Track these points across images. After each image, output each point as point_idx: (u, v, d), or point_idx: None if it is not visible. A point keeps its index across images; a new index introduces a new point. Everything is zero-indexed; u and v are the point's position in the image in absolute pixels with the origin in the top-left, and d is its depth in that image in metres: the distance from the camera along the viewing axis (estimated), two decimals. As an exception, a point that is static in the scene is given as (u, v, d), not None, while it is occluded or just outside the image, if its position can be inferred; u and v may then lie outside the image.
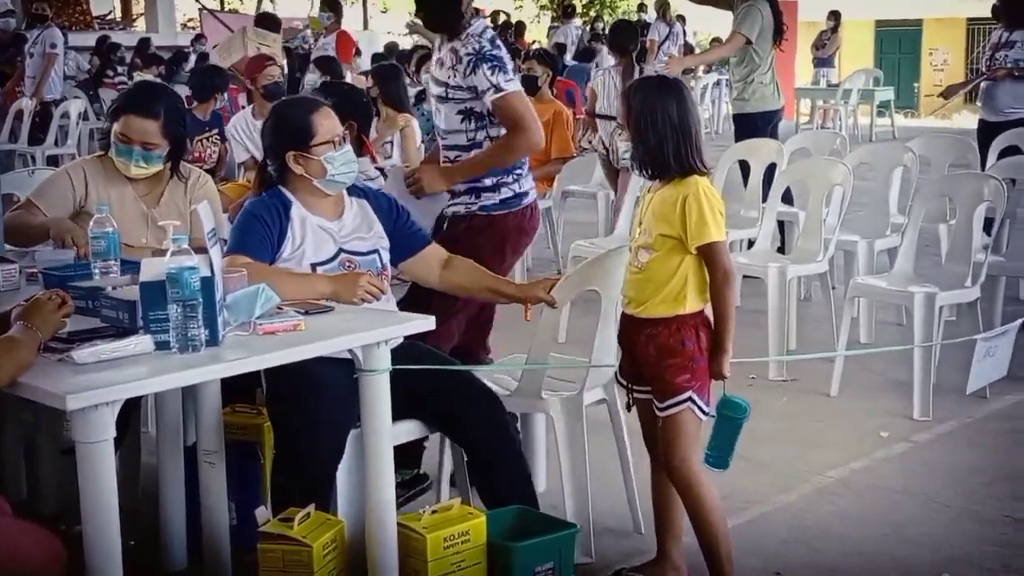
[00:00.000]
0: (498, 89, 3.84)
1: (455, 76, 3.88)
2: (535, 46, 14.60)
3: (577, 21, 17.48)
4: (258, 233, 3.31)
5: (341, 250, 3.40)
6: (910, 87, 22.51)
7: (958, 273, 5.07)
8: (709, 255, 3.09)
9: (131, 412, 3.48)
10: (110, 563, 2.43)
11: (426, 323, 3.06)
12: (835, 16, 16.92)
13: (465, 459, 3.45)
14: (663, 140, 3.11)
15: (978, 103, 7.83)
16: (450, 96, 3.92)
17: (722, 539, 3.17)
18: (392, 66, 8.11)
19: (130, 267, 3.15)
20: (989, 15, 8.08)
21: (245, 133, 7.05)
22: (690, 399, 3.11)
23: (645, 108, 3.13)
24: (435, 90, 3.97)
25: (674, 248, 3.11)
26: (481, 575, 3.09)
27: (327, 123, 3.42)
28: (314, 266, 3.35)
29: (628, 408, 3.33)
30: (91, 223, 3.32)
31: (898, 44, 23.93)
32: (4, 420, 3.99)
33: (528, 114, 3.88)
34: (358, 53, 11.82)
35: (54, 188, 3.85)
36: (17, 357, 2.45)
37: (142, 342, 2.61)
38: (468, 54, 3.85)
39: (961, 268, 5.07)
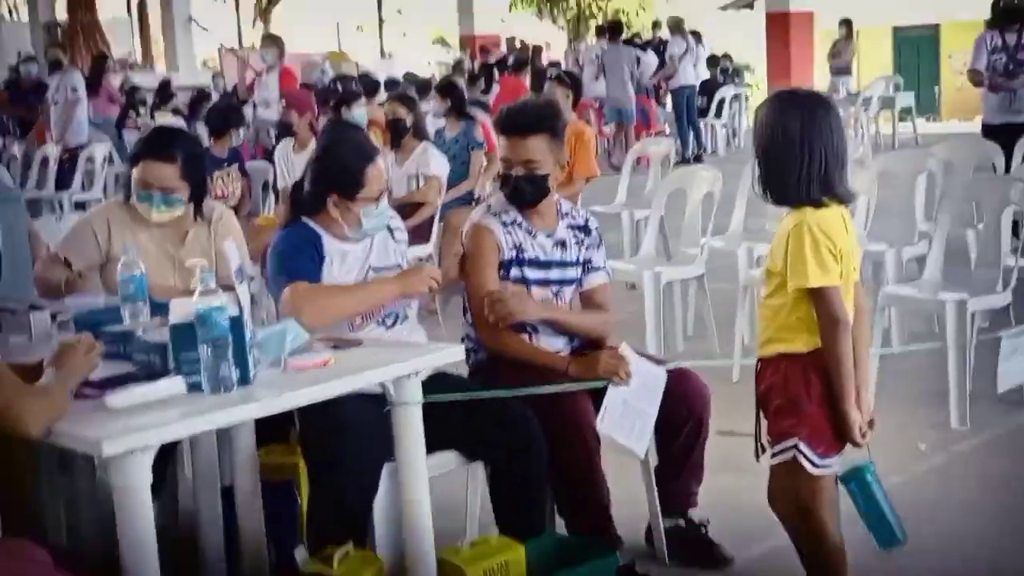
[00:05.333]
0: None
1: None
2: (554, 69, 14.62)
3: (592, 40, 17.50)
4: (306, 258, 3.36)
5: (370, 267, 3.47)
6: (931, 92, 22.41)
7: (989, 278, 5.02)
8: (812, 299, 2.82)
9: (168, 454, 3.49)
10: (152, 607, 2.43)
11: (454, 353, 3.06)
12: (847, 24, 16.87)
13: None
14: (779, 162, 2.85)
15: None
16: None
17: None
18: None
19: (160, 309, 3.16)
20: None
21: (284, 163, 7.30)
22: (796, 447, 2.86)
23: (766, 124, 2.89)
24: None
25: (781, 285, 2.87)
26: (522, 605, 3.08)
27: (378, 177, 3.44)
28: None
29: (757, 457, 3.07)
30: (119, 266, 3.34)
31: (917, 49, 23.85)
32: (41, 466, 4.00)
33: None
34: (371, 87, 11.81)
35: (78, 238, 3.88)
36: (51, 406, 2.47)
37: (174, 384, 2.62)
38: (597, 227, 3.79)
39: (991, 273, 5.03)
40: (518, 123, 3.60)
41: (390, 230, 3.60)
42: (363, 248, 3.48)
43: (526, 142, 3.57)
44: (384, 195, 3.47)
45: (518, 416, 3.33)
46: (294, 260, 3.35)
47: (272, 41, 11.46)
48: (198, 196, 3.89)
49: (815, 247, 2.79)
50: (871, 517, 2.98)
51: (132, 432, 2.40)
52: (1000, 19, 7.52)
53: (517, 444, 3.30)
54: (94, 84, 13.25)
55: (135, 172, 3.80)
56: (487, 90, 14.63)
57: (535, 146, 3.57)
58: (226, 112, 7.97)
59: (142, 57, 24.77)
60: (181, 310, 2.68)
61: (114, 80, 14.72)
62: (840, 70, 16.73)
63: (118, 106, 13.77)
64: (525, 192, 3.61)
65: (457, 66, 16.59)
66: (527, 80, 14.00)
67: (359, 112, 8.18)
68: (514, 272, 3.62)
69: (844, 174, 2.89)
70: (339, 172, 3.42)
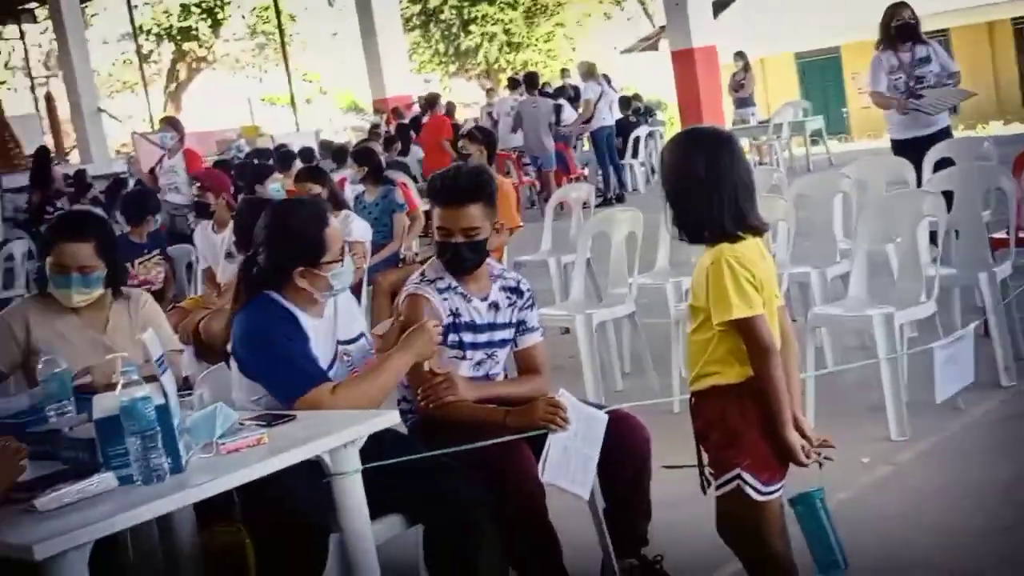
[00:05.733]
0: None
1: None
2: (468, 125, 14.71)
3: (504, 93, 17.61)
4: (310, 351, 3.30)
5: (338, 342, 3.43)
6: (839, 112, 22.88)
7: (912, 290, 5.10)
8: (739, 331, 2.81)
9: (111, 548, 3.41)
10: None
11: (390, 419, 3.03)
12: (742, 56, 17.15)
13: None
14: (689, 203, 2.87)
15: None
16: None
17: None
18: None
19: (85, 405, 3.10)
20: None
21: (205, 245, 7.22)
22: (739, 476, 2.86)
23: (671, 166, 2.92)
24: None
25: (706, 320, 2.86)
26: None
27: (336, 236, 3.40)
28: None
29: (703, 490, 3.03)
30: (40, 365, 3.27)
31: (821, 73, 24.34)
32: None
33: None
34: (286, 159, 11.77)
35: None
36: (-22, 515, 2.40)
37: (104, 479, 2.57)
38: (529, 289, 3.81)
39: (914, 284, 5.11)
40: (454, 193, 3.61)
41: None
42: (330, 322, 3.43)
43: (466, 210, 3.59)
44: (346, 250, 3.42)
45: (450, 476, 3.28)
46: (301, 359, 3.24)
47: (170, 124, 11.25)
48: (114, 278, 3.84)
49: (735, 280, 2.80)
50: (815, 542, 2.99)
51: (63, 533, 2.34)
52: (894, 38, 7.67)
53: (449, 505, 3.24)
54: (45, 177, 13.03)
55: (50, 257, 3.75)
56: (405, 151, 14.67)
57: (474, 214, 3.59)
58: (141, 198, 7.91)
59: (55, 151, 24.50)
60: (105, 404, 2.63)
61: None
62: (744, 101, 16.97)
63: (66, 197, 13.57)
64: (466, 259, 3.62)
65: (373, 131, 16.61)
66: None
67: (274, 186, 8.15)
68: (451, 337, 3.61)
69: (754, 205, 2.91)
70: (300, 244, 3.35)
